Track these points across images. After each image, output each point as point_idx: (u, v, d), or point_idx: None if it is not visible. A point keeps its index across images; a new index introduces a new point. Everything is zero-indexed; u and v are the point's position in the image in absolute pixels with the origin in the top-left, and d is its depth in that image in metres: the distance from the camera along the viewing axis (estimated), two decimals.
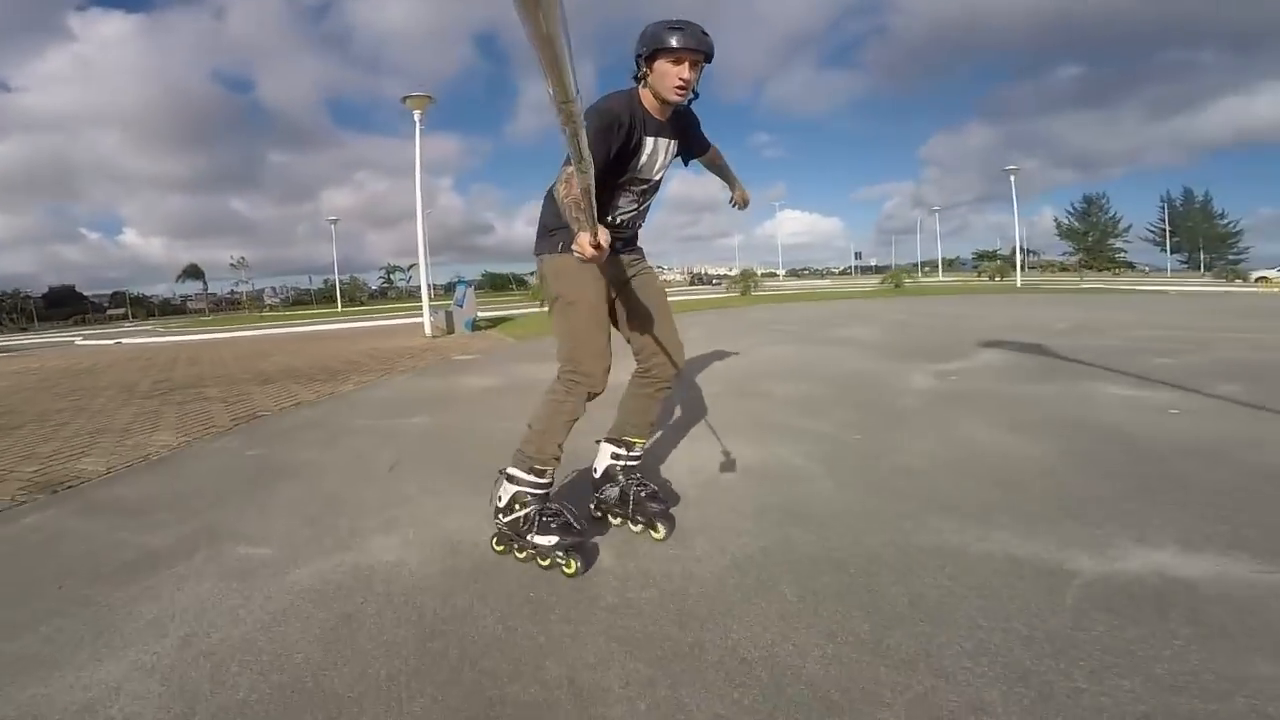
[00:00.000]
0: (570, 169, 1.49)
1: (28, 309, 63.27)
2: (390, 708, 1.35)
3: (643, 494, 2.07)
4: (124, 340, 19.90)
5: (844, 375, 5.20)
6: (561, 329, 1.92)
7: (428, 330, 11.67)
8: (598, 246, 1.45)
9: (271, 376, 7.12)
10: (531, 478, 1.89)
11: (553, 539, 1.82)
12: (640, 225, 2.11)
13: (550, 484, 1.93)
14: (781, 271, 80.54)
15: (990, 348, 6.26)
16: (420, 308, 13.14)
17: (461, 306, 12.51)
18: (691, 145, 2.12)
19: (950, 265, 72.87)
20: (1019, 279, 26.06)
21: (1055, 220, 72.97)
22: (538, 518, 1.86)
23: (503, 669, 1.46)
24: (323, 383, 6.32)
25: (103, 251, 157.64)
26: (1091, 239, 69.19)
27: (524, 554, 1.91)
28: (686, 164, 2.20)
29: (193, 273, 73.04)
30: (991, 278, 35.83)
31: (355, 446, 3.66)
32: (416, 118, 11.25)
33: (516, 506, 1.90)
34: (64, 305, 68.14)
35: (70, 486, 3.11)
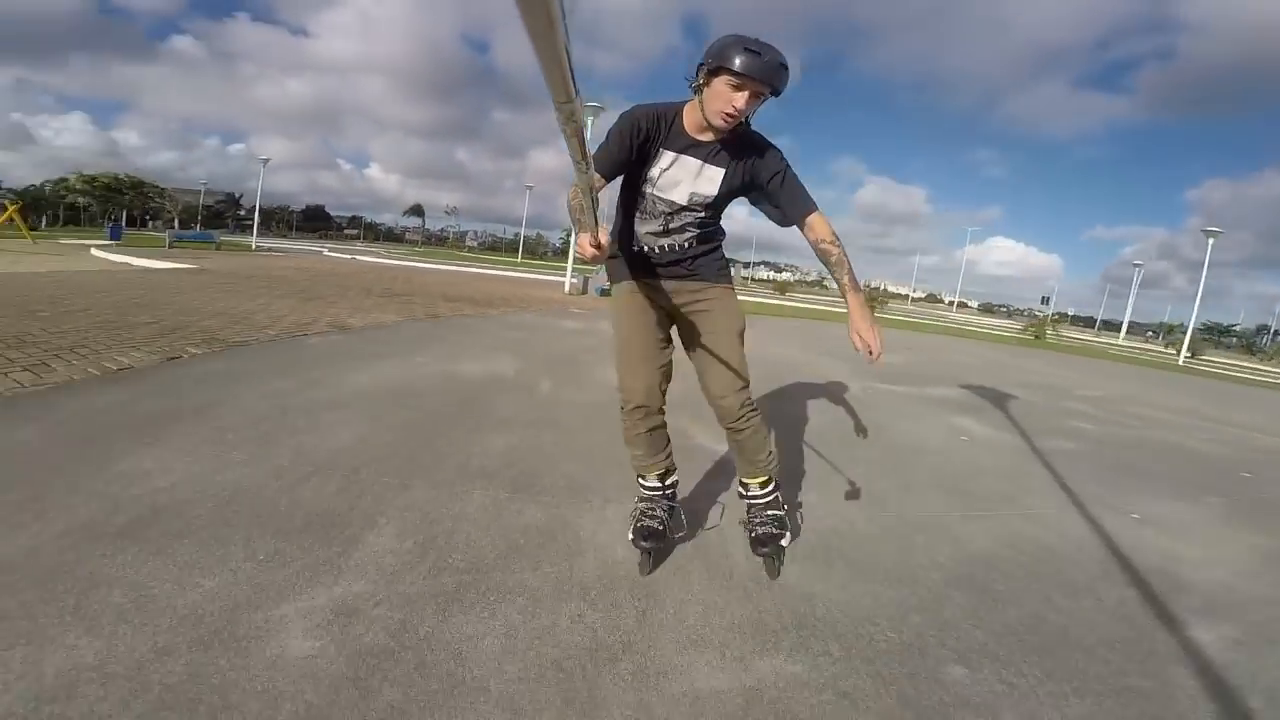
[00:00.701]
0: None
1: (288, 220, 78.89)
2: None
3: (755, 534, 1.98)
4: (359, 257, 25.93)
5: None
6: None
7: (566, 289, 14.89)
8: (598, 247, 1.39)
9: (453, 298, 10.47)
10: (640, 479, 1.98)
11: (631, 536, 1.91)
12: (693, 251, 1.89)
13: (655, 489, 1.95)
14: (974, 304, 72.22)
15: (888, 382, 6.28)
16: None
17: (597, 275, 15.52)
18: (770, 193, 1.81)
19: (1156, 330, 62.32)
20: (1181, 355, 22.95)
21: None
22: (638, 515, 1.93)
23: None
24: (483, 306, 9.48)
25: (350, 181, 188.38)
26: None
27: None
28: (784, 224, 1.85)
29: (416, 211, 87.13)
30: (1166, 347, 31.29)
31: (482, 332, 6.51)
32: (590, 122, 14.09)
33: (636, 500, 1.99)
34: (315, 220, 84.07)
35: (346, 329, 6.23)
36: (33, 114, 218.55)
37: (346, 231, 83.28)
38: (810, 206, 1.80)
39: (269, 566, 1.76)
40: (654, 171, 1.76)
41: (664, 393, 1.91)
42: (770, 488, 2.00)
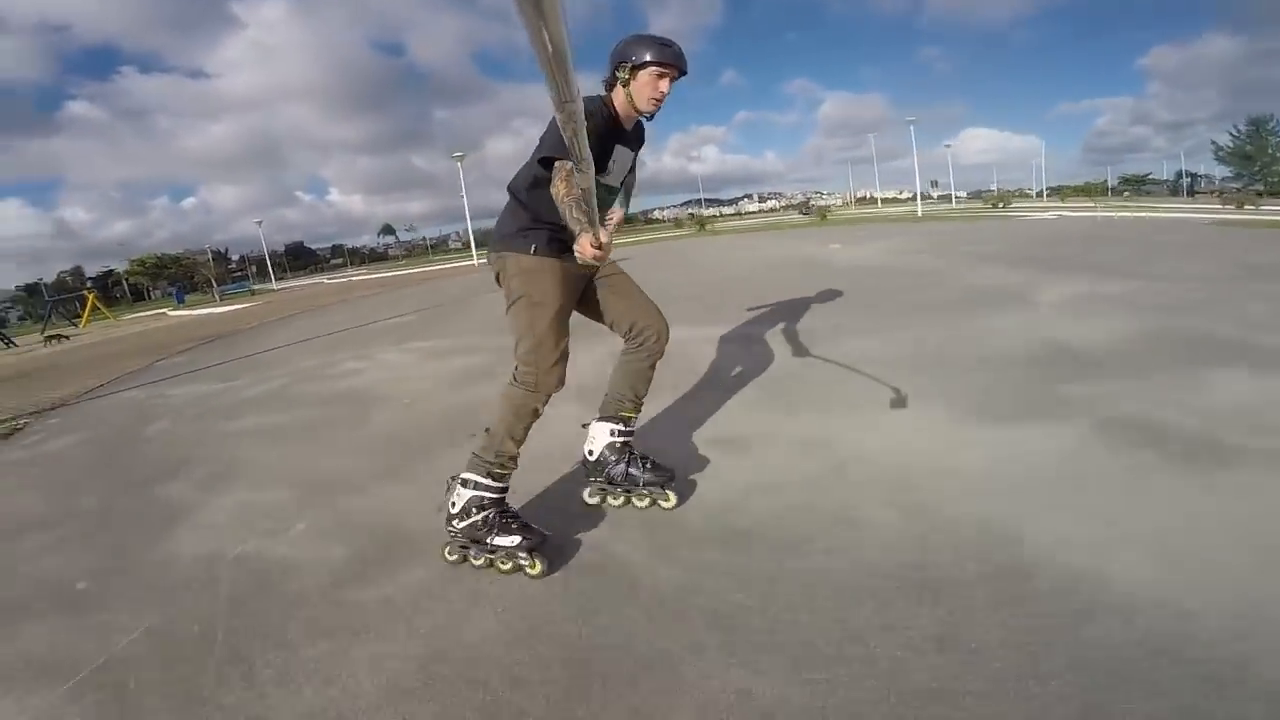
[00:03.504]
0: (567, 167, 1.63)
1: (279, 262, 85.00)
2: None
3: (646, 465, 2.08)
4: (353, 277, 32.46)
5: None
6: (523, 328, 1.86)
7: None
8: (600, 247, 1.45)
9: (442, 289, 16.73)
10: (489, 481, 1.85)
11: (515, 539, 1.79)
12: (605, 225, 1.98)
13: (507, 488, 1.90)
14: (963, 193, 74.82)
15: None
16: None
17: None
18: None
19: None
20: (919, 209, 28.56)
21: (1213, 144, 65.23)
22: (497, 519, 1.82)
23: None
24: (453, 295, 15.79)
25: (316, 211, 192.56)
26: (1260, 164, 61.58)
27: (481, 560, 1.87)
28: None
29: (387, 230, 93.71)
30: (994, 205, 36.93)
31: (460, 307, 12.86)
32: (460, 171, 16.99)
33: (474, 511, 1.84)
34: (300, 258, 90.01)
35: (381, 321, 12.53)
36: None
37: (333, 261, 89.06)
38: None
39: None
40: (609, 164, 1.93)
41: None
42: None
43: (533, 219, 1.92)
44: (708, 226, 30.85)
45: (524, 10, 0.57)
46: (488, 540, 1.83)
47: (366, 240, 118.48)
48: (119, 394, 5.70)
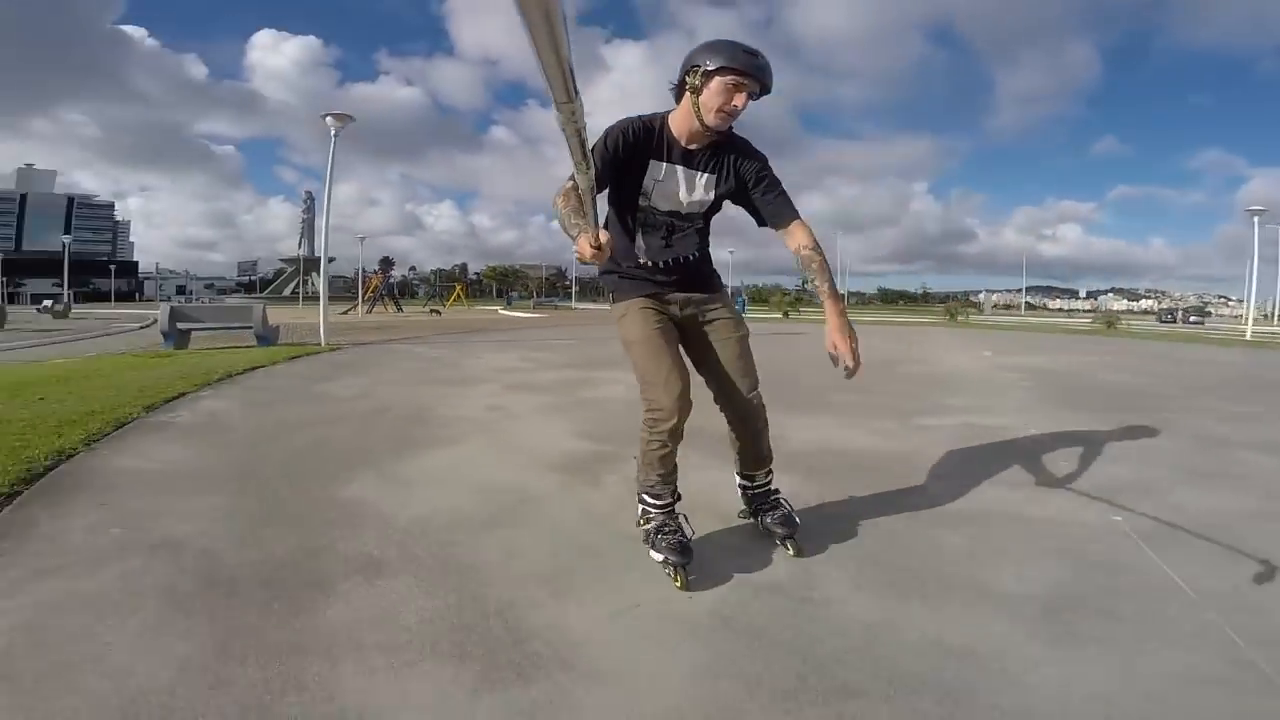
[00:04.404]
0: (567, 184, 1.58)
1: (597, 286, 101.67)
2: None
3: (768, 520, 1.99)
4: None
5: None
6: (634, 370, 1.84)
7: None
8: (598, 248, 1.41)
9: None
10: (649, 499, 1.88)
11: (660, 555, 1.80)
12: (693, 261, 1.91)
13: (669, 503, 1.87)
14: None
15: None
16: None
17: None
18: (753, 195, 1.85)
19: None
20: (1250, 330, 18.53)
21: None
22: (656, 533, 1.84)
23: None
24: None
25: None
26: None
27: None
28: (761, 224, 1.88)
29: None
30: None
31: None
32: (332, 132, 9.55)
33: (642, 520, 1.91)
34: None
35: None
36: (419, 204, 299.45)
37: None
38: (794, 214, 1.83)
39: None
40: (647, 183, 1.78)
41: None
42: (771, 476, 2.05)
43: (611, 265, 1.85)
44: (959, 318, 27.07)
45: (524, 10, 0.57)
46: (649, 549, 1.84)
47: None
48: (407, 344, 9.73)
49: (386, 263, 32.57)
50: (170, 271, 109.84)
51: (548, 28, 0.60)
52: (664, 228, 1.85)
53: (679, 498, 1.90)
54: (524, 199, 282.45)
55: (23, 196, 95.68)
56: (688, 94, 1.69)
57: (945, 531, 2.17)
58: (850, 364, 1.71)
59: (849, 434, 3.63)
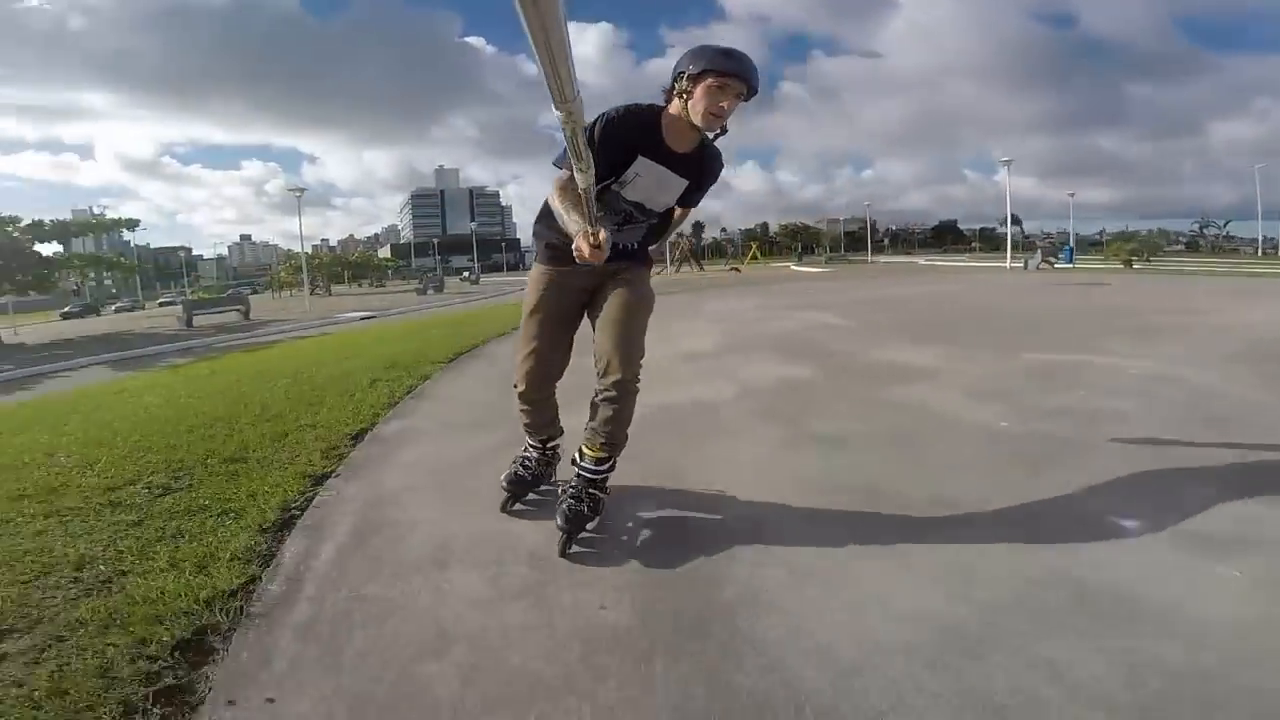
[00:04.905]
0: (564, 178, 1.63)
1: (910, 239, 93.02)
2: None
3: (565, 504, 1.83)
4: (919, 260, 35.41)
5: None
6: (522, 323, 1.97)
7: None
8: (597, 247, 1.45)
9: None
10: (525, 436, 2.12)
11: (504, 485, 2.07)
12: (627, 251, 1.92)
13: (534, 447, 2.10)
14: None
15: None
16: None
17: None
18: (688, 194, 1.93)
19: None
20: None
21: None
22: (516, 459, 2.13)
23: None
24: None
25: (980, 190, 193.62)
26: None
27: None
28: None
29: (1014, 220, 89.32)
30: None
31: None
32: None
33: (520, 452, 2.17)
34: (943, 236, 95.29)
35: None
36: (726, 169, 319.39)
37: (972, 246, 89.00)
38: (696, 203, 2.03)
39: None
40: (629, 175, 1.79)
41: (561, 373, 1.98)
42: (606, 466, 1.86)
43: (547, 227, 1.88)
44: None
45: (524, 9, 0.57)
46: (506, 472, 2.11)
47: (1033, 225, 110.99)
48: (682, 294, 11.98)
49: (697, 227, 37.51)
50: None
51: (544, 33, 0.63)
52: (622, 215, 1.85)
53: (554, 449, 2.12)
54: (825, 151, 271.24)
55: (441, 192, 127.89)
56: (677, 99, 1.72)
57: None
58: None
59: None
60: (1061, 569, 1.55)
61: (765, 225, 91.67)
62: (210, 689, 1.23)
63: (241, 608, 1.50)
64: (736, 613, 1.43)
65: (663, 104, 1.77)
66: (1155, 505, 1.85)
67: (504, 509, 2.02)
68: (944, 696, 1.14)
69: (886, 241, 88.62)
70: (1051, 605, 1.41)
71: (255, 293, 28.88)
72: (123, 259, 30.11)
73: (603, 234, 1.44)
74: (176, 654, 1.32)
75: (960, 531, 1.77)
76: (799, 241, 66.32)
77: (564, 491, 1.89)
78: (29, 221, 17.97)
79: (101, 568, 1.68)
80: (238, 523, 1.93)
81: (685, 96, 1.69)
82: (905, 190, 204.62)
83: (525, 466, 2.09)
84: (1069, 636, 1.29)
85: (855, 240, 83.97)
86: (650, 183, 1.81)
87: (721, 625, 1.39)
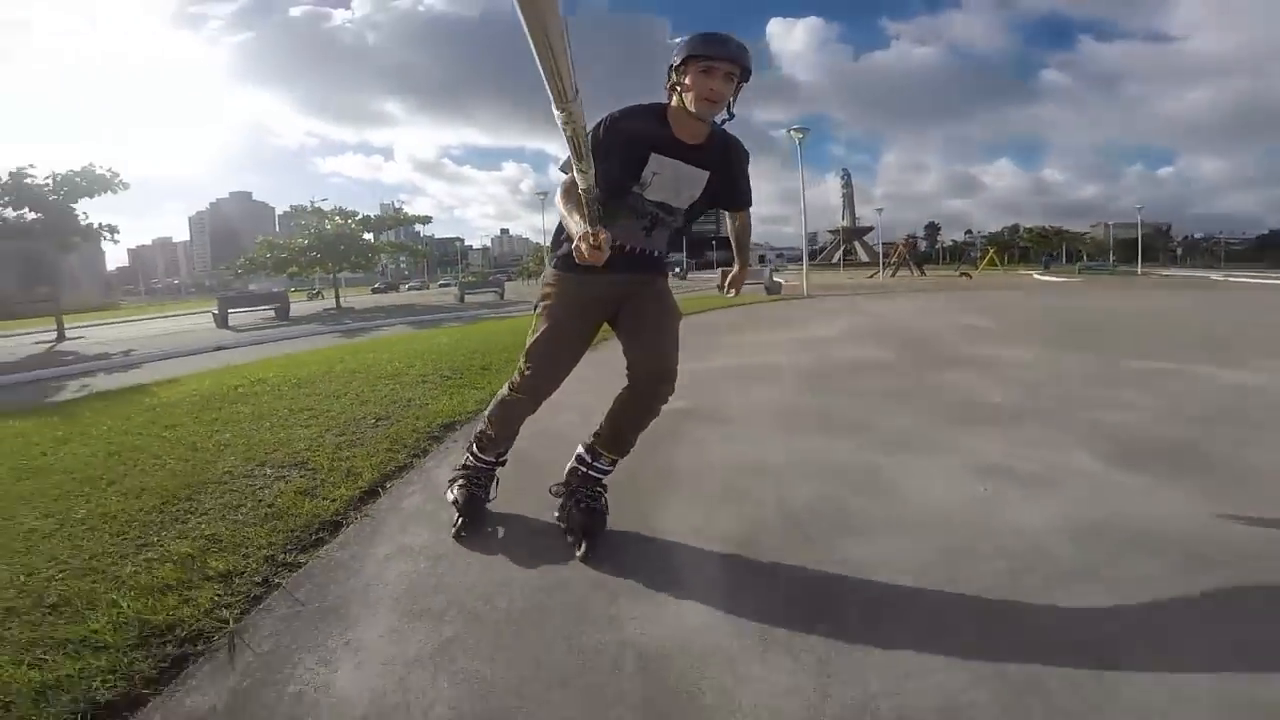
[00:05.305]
0: (567, 182, 1.59)
1: (1214, 250, 72.89)
2: None
3: (582, 506, 1.89)
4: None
5: None
6: (532, 330, 1.88)
7: None
8: (598, 247, 1.41)
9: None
10: (477, 452, 2.02)
11: (451, 495, 2.01)
12: (656, 252, 1.90)
13: (489, 462, 2.03)
14: None
15: None
16: None
17: None
18: (725, 190, 1.90)
19: None
20: None
21: None
22: (463, 478, 2.02)
23: None
24: None
25: None
26: None
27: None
28: (714, 206, 1.97)
29: None
30: None
31: None
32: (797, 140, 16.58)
33: (466, 463, 2.06)
34: (1272, 248, 69.99)
35: None
36: (970, 164, 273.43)
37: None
38: (747, 203, 1.99)
39: None
40: (646, 174, 1.76)
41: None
42: (612, 469, 1.94)
43: (562, 230, 1.80)
44: None
45: (523, 10, 0.57)
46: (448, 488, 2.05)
47: None
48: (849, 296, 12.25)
49: (911, 238, 39.08)
50: (754, 244, 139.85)
51: (548, 31, 0.63)
52: (649, 216, 1.82)
53: (503, 463, 2.07)
54: (1107, 145, 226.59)
55: None
56: (673, 92, 1.72)
57: None
58: (734, 285, 2.15)
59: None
60: None
61: (1015, 227, 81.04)
62: (457, 440, 2.74)
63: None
64: None
65: (666, 101, 1.78)
66: None
67: (459, 535, 1.93)
68: None
69: (1180, 251, 72.40)
70: None
71: (510, 279, 35.75)
72: (419, 247, 38.40)
73: (603, 234, 1.41)
74: (444, 429, 2.95)
75: None
76: (1048, 246, 56.92)
77: (570, 495, 1.92)
78: (360, 216, 24.23)
79: (415, 403, 3.43)
80: (482, 391, 3.58)
81: (679, 88, 1.70)
82: (1220, 191, 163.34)
83: (477, 484, 2.02)
84: None
85: (1143, 248, 69.80)
86: (669, 179, 1.78)
87: None
